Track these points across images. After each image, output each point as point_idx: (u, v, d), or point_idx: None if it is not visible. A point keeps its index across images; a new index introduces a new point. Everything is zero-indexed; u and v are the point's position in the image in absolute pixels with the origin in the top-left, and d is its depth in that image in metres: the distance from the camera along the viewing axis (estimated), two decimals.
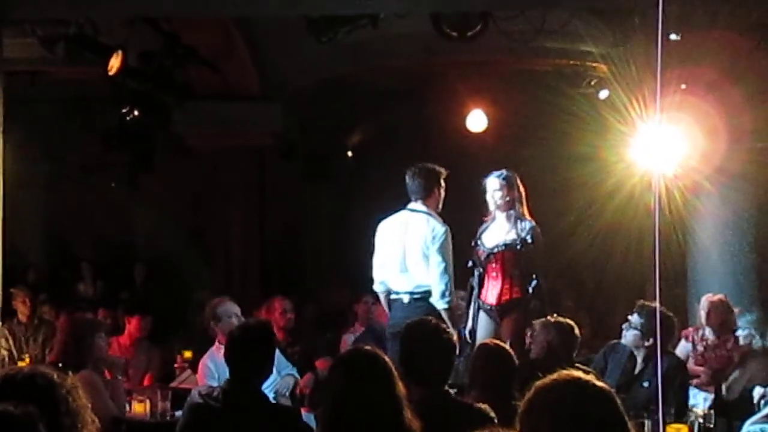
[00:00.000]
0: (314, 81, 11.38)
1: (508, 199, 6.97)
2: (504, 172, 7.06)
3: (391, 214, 7.03)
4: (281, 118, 11.55)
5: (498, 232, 7.06)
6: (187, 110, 10.62)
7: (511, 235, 6.97)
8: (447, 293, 6.68)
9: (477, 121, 10.49)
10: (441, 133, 11.15)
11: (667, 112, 6.90)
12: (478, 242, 7.13)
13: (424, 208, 6.85)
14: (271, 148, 11.98)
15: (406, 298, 6.83)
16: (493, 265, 7.04)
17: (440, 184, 6.91)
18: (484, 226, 7.19)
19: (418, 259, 6.75)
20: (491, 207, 7.09)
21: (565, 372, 2.68)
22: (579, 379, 2.66)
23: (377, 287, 7.05)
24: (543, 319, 6.30)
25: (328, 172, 13.86)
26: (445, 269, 6.70)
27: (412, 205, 6.90)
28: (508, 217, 7.00)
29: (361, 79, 11.64)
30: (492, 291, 7.06)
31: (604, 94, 9.56)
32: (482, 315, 7.08)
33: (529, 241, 6.92)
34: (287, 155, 12.71)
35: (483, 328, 7.03)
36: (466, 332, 7.03)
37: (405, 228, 6.85)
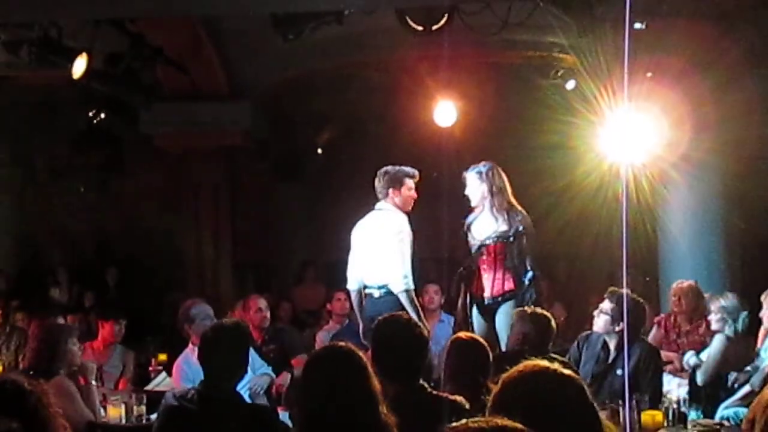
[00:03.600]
0: (282, 79, 11.34)
1: (486, 193, 7.10)
2: (479, 167, 7.17)
3: (364, 213, 7.27)
4: (250, 117, 11.50)
5: (488, 223, 7.15)
6: (155, 111, 10.56)
7: (503, 227, 7.08)
8: (402, 276, 6.84)
9: (446, 114, 10.48)
10: (410, 128, 11.14)
11: (635, 101, 6.93)
12: (468, 234, 7.19)
13: (385, 206, 7.13)
14: (240, 147, 11.94)
15: (376, 293, 7.05)
16: (485, 257, 7.14)
17: (400, 184, 7.13)
18: (472, 216, 7.26)
19: (381, 252, 6.97)
20: (473, 202, 7.20)
21: (530, 363, 2.67)
22: (546, 368, 2.65)
23: (350, 285, 7.27)
24: (518, 310, 6.32)
25: (299, 170, 13.83)
26: (399, 253, 6.89)
27: (377, 205, 7.20)
28: (497, 209, 7.08)
29: (329, 75, 11.62)
30: (484, 284, 7.15)
31: (571, 84, 9.60)
32: (475, 309, 7.16)
33: (521, 231, 7.01)
34: (262, 154, 12.68)
35: (477, 322, 7.14)
36: (450, 324, 7.10)
37: (371, 226, 7.14)
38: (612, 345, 6.24)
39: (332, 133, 13.49)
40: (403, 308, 6.68)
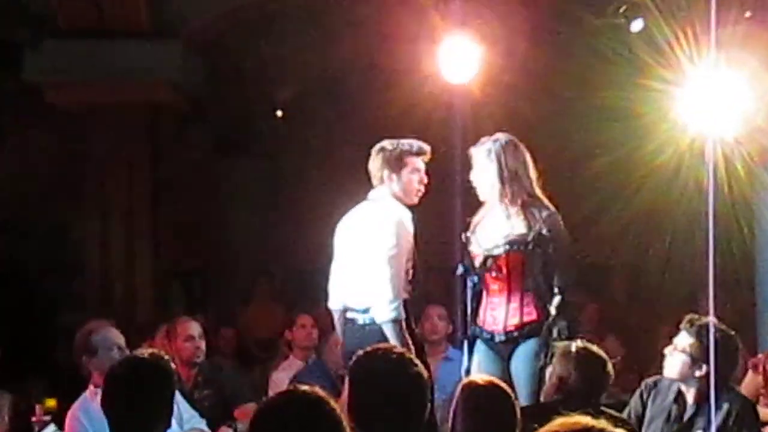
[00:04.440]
0: (226, 11, 11.33)
1: (498, 180, 6.95)
2: (488, 142, 7.04)
3: (346, 203, 7.24)
4: (181, 64, 11.49)
5: (499, 225, 7.03)
6: (46, 53, 10.53)
7: (519, 229, 6.94)
8: (387, 301, 6.73)
9: (460, 65, 10.46)
10: (409, 84, 11.13)
11: (726, 50, 6.94)
12: (471, 239, 7.08)
13: (380, 195, 7.06)
14: (167, 106, 11.92)
15: (360, 319, 6.96)
16: (494, 273, 6.97)
17: (401, 165, 7.04)
18: (479, 215, 7.17)
19: (368, 263, 6.88)
20: (479, 193, 7.09)
21: (569, 420, 2.65)
22: (591, 428, 2.64)
23: (333, 304, 7.22)
24: (562, 345, 6.24)
25: (250, 140, 13.83)
26: (389, 267, 6.76)
27: (370, 194, 7.12)
28: (510, 203, 6.97)
29: (290, 7, 11.59)
30: (494, 312, 7.02)
31: (638, 25, 9.59)
32: (482, 347, 7.04)
33: (546, 235, 6.90)
34: (198, 117, 12.67)
35: (484, 366, 6.93)
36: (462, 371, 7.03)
37: (357, 223, 7.08)
38: (690, 396, 6.26)
39: (297, 89, 13.50)
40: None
